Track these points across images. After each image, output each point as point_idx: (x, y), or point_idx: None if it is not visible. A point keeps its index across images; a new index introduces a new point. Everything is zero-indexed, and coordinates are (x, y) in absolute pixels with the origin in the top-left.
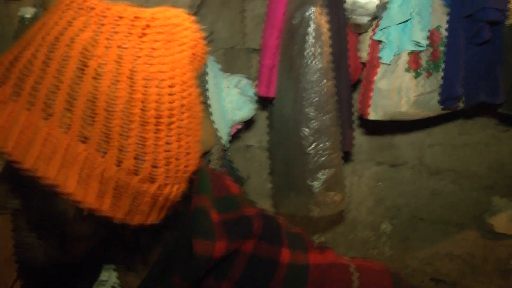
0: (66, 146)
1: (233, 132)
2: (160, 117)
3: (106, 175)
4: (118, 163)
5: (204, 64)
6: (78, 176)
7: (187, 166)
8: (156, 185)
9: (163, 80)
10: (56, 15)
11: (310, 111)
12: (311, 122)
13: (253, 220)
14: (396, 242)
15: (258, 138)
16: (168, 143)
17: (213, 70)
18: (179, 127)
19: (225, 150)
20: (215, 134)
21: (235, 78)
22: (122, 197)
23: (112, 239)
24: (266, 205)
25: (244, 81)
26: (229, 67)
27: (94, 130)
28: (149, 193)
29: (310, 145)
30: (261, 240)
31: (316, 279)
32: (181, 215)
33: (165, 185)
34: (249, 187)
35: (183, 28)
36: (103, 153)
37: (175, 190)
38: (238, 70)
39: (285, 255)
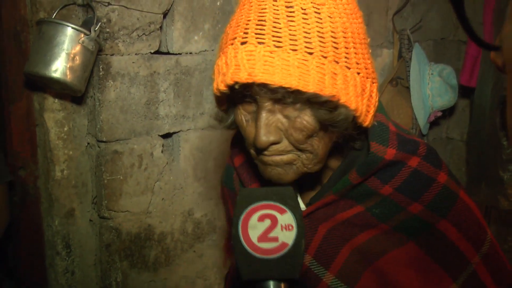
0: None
1: (432, 118)
2: (359, 34)
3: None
4: (359, 72)
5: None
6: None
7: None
8: (369, 81)
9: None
10: None
11: None
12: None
13: (420, 143)
14: None
15: (460, 130)
16: (363, 54)
17: (417, 57)
18: (362, 43)
19: (423, 135)
20: (413, 118)
21: (439, 66)
22: (362, 96)
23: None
24: None
25: (448, 69)
26: (438, 58)
27: (338, 54)
28: (370, 90)
29: (504, 136)
30: (424, 160)
31: (459, 210)
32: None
33: (373, 83)
34: None
35: None
36: (348, 67)
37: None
38: (447, 61)
39: (442, 177)
